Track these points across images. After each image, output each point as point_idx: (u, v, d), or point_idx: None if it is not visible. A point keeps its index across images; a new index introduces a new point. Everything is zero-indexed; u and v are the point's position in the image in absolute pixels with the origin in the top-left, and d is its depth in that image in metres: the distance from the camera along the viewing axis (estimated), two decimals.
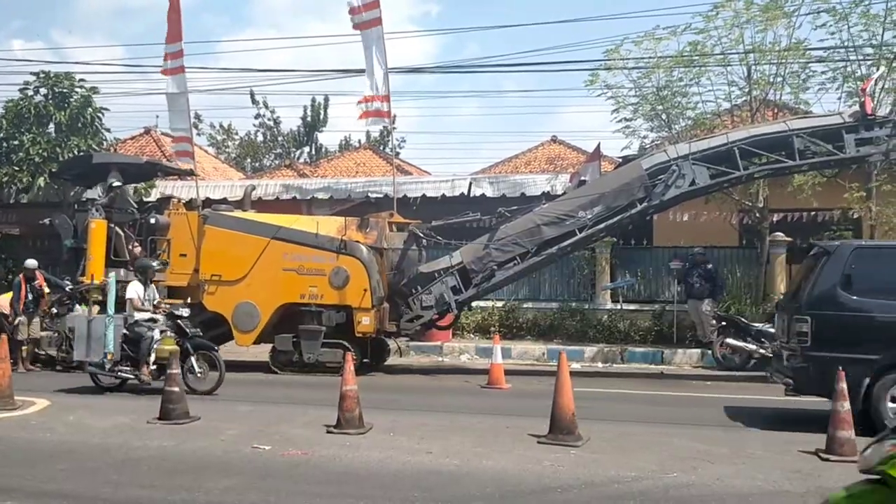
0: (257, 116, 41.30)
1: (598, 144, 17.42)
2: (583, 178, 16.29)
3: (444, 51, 70.89)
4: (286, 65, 71.45)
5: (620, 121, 16.85)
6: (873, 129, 12.36)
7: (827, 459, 6.63)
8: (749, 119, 15.71)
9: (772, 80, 15.58)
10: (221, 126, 42.14)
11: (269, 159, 41.33)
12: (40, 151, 18.15)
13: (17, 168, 18.35)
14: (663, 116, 16.35)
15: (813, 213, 16.34)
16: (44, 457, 6.80)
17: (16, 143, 18.46)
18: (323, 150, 41.18)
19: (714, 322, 14.07)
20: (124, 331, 10.25)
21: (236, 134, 42.52)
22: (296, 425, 8.06)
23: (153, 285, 11.15)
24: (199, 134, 37.93)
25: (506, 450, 7.05)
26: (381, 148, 34.17)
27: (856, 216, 15.64)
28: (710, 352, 13.98)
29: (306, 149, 41.90)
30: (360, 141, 37.58)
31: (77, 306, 12.89)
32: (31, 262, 13.38)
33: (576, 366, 13.63)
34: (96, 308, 11.44)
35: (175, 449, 7.06)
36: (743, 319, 13.77)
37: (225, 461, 6.67)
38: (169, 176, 18.93)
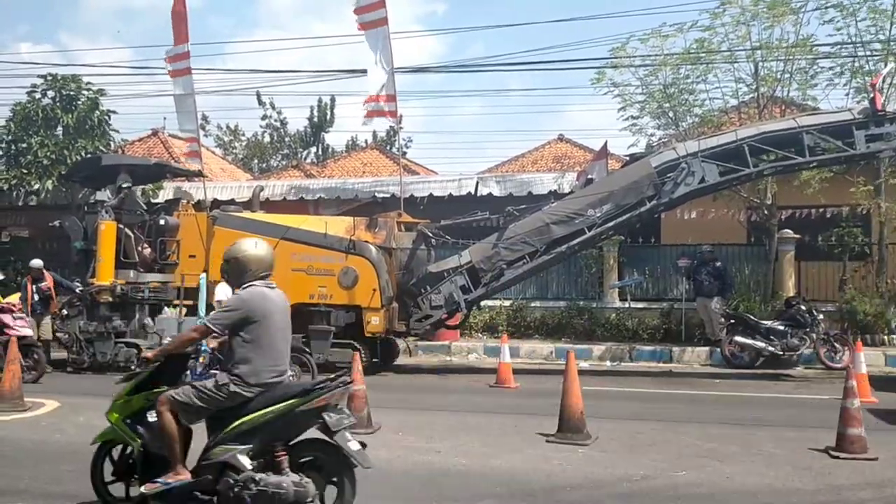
0: (264, 117, 41.41)
1: (605, 142, 17.47)
2: (590, 176, 16.28)
3: (449, 50, 70.94)
4: (292, 65, 71.76)
5: (627, 119, 16.86)
6: (884, 125, 12.26)
7: (837, 457, 6.61)
8: (756, 116, 15.64)
9: (779, 76, 15.53)
10: (228, 127, 42.31)
11: (277, 160, 41.43)
12: (48, 154, 18.23)
13: (25, 171, 18.45)
14: (670, 114, 16.31)
15: (821, 209, 16.30)
16: (51, 458, 6.83)
17: (24, 145, 18.57)
18: (330, 150, 41.24)
19: (723, 320, 14.04)
20: None
21: (243, 135, 42.66)
22: None
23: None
24: (206, 135, 38.10)
25: (514, 449, 7.05)
26: (388, 148, 34.19)
27: (864, 212, 15.59)
28: (718, 350, 13.95)
29: (313, 149, 41.97)
30: (366, 141, 37.67)
31: (165, 308, 12.82)
32: (37, 262, 13.42)
33: (584, 364, 13.62)
34: (184, 310, 11.14)
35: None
36: (752, 317, 13.71)
37: None
38: (177, 177, 19.00)
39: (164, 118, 30.26)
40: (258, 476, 4.58)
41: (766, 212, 15.84)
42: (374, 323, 12.55)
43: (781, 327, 13.32)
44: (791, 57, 15.16)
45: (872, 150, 12.47)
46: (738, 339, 13.46)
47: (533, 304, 17.05)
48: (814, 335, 13.20)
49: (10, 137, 18.96)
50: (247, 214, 13.87)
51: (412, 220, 14.08)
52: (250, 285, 4.96)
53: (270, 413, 4.68)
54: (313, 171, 26.98)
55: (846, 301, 15.02)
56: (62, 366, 13.20)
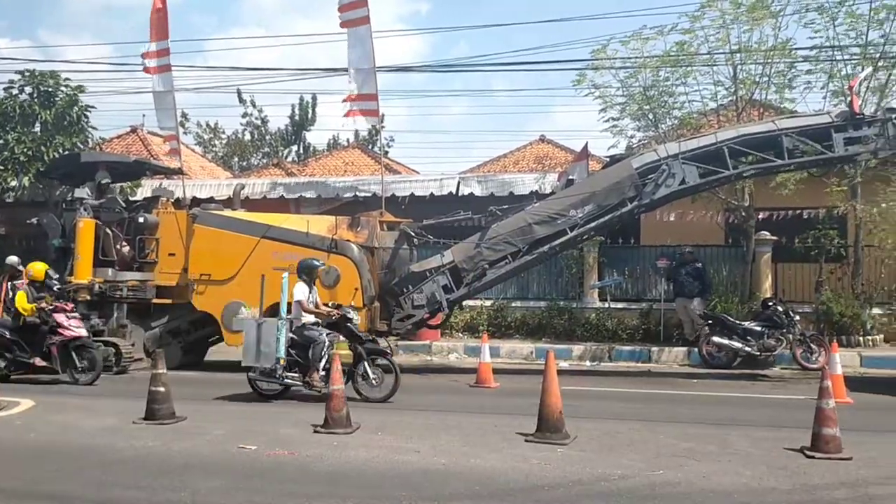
0: (245, 115, 41.20)
1: (586, 144, 17.47)
2: (571, 177, 16.32)
3: (433, 50, 70.95)
4: (274, 63, 71.19)
5: (608, 120, 16.91)
6: (862, 129, 12.40)
7: (812, 457, 6.67)
8: (735, 119, 15.78)
9: (758, 79, 15.67)
10: (208, 125, 42.01)
11: (257, 158, 41.22)
12: (25, 150, 18.04)
13: (1, 167, 18.23)
14: (650, 116, 16.40)
15: (798, 211, 16.47)
16: (29, 457, 6.75)
17: (0, 142, 18.33)
18: (311, 148, 41.12)
19: (702, 321, 14.15)
20: (291, 335, 9.71)
21: (223, 133, 42.38)
22: (283, 425, 8.04)
23: (315, 286, 10.41)
24: (185, 133, 37.81)
25: (493, 448, 7.06)
26: (370, 147, 34.13)
27: (841, 214, 15.77)
28: (696, 350, 14.06)
29: (294, 148, 41.83)
30: (348, 140, 37.57)
31: (242, 309, 11.24)
32: (13, 259, 13.19)
33: (563, 364, 13.69)
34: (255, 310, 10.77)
35: (161, 449, 7.02)
36: (729, 318, 13.83)
37: (210, 461, 6.65)
38: (157, 174, 18.84)
39: (144, 115, 30.06)
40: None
41: (743, 214, 15.98)
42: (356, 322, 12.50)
43: (758, 328, 13.44)
44: (769, 60, 15.30)
45: (851, 153, 12.61)
46: (716, 339, 13.57)
47: (514, 305, 17.11)
48: (790, 336, 13.33)
49: None
50: (227, 213, 13.79)
51: (394, 219, 14.06)
52: None
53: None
54: (294, 170, 26.87)
55: (822, 302, 15.19)
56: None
